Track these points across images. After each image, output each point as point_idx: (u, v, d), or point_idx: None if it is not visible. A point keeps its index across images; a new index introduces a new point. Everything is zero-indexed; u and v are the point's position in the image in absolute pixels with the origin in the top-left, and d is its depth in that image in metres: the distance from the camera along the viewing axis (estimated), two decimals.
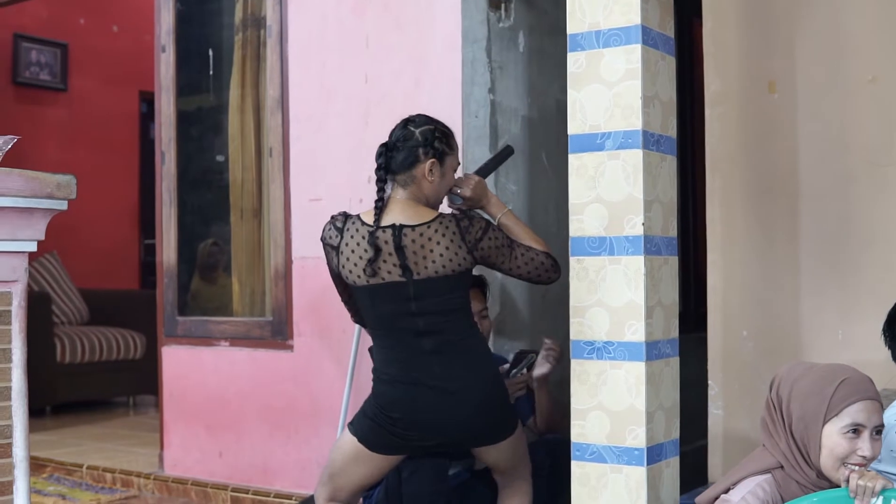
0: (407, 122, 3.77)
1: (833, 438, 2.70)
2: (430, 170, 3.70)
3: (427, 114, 3.83)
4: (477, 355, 3.73)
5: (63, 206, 3.09)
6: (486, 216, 3.86)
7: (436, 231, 3.60)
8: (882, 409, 2.76)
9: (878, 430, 2.72)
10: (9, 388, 3.05)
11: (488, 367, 3.75)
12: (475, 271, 3.92)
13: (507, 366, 4.35)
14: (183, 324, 5.91)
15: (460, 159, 4.36)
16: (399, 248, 3.59)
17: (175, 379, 5.95)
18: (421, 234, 3.59)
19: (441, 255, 3.60)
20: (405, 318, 3.65)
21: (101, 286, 9.46)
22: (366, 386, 3.90)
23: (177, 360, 5.94)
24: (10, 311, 3.04)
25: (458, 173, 3.88)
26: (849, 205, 4.04)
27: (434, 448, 3.81)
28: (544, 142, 5.13)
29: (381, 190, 3.68)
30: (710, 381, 4.29)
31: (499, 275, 4.47)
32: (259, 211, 5.67)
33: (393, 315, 3.66)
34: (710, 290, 4.30)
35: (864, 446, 2.68)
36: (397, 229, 3.60)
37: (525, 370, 4.30)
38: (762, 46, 4.22)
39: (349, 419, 3.89)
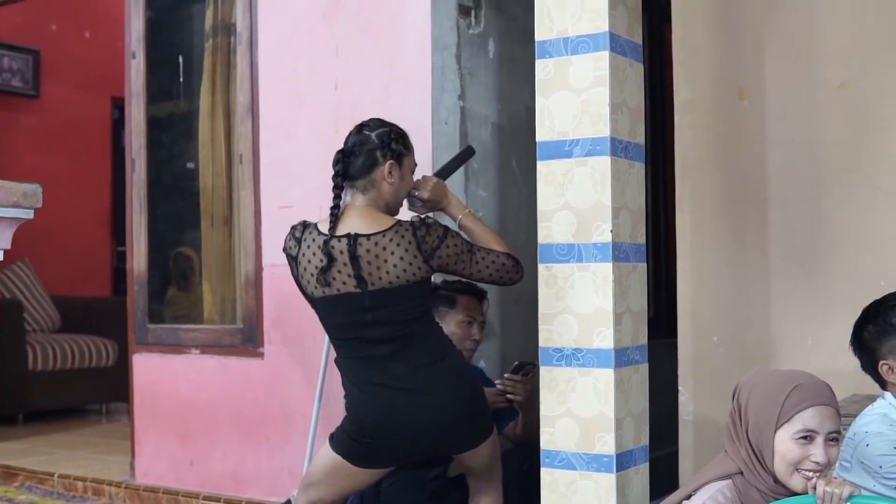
0: (361, 127, 3.76)
1: (785, 444, 2.70)
2: (390, 171, 3.69)
3: (396, 121, 3.82)
4: (448, 363, 3.70)
5: (29, 214, 3.06)
6: (448, 217, 3.86)
7: (391, 240, 3.57)
8: (838, 415, 2.76)
9: (833, 436, 2.72)
10: None
11: (461, 373, 3.74)
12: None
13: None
14: (153, 331, 5.88)
15: (426, 164, 4.37)
16: (354, 258, 3.56)
17: (146, 387, 5.93)
18: (376, 244, 3.55)
19: (395, 266, 3.57)
20: (361, 328, 3.62)
21: (73, 293, 9.42)
22: (337, 393, 3.88)
23: (148, 368, 5.92)
24: None
25: (417, 176, 3.87)
26: (819, 211, 4.04)
27: (418, 458, 3.82)
28: (514, 148, 5.12)
29: (337, 197, 3.65)
30: (680, 387, 4.29)
31: None
32: (230, 218, 5.65)
33: (349, 325, 3.65)
34: (679, 296, 4.30)
35: (816, 452, 2.68)
36: (352, 238, 3.57)
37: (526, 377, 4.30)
38: (731, 53, 4.22)
39: (322, 427, 3.87)
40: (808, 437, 2.69)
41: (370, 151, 3.69)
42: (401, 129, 3.79)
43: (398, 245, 3.57)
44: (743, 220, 4.21)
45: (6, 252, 3.03)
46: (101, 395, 8.87)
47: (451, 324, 4.32)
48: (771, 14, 4.13)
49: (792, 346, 4.07)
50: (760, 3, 4.15)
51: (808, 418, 2.70)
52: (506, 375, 4.30)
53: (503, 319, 5.02)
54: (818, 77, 4.04)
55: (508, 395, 4.27)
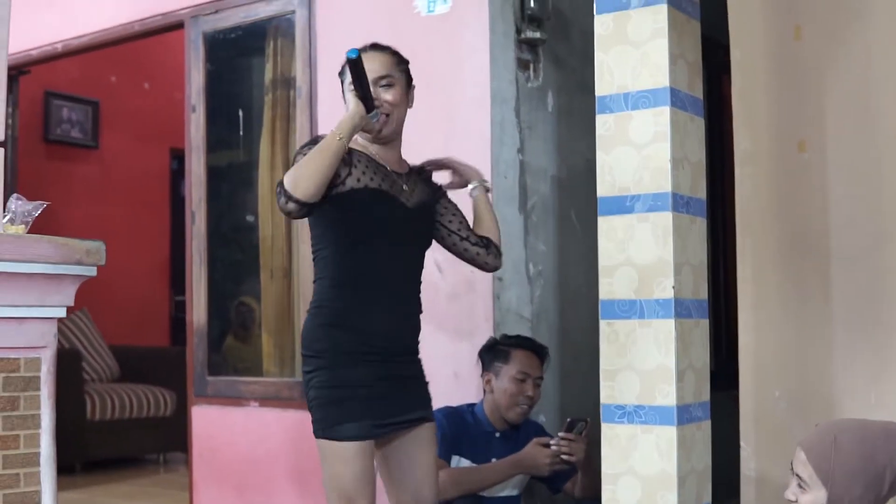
0: None
1: None
2: None
3: None
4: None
5: (92, 272, 3.10)
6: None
7: None
8: None
9: None
10: (37, 454, 3.06)
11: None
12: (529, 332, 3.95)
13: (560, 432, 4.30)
14: (213, 383, 5.91)
15: None
16: None
17: (204, 439, 5.94)
18: None
19: None
20: None
21: (131, 343, 9.47)
22: None
23: (206, 420, 5.94)
24: (38, 378, 3.05)
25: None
26: (881, 265, 3.99)
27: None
28: (573, 201, 5.12)
29: None
30: (742, 443, 4.25)
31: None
32: (289, 270, 5.68)
33: None
34: (741, 350, 4.26)
35: None
36: None
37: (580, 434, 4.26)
38: (792, 105, 4.20)
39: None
40: None
41: None
42: None
43: None
44: (805, 274, 4.17)
45: None
46: (159, 445, 8.90)
47: (504, 379, 4.32)
48: (831, 67, 4.11)
49: (855, 402, 4.02)
50: (820, 55, 4.12)
51: None
52: (560, 434, 4.23)
53: (562, 374, 5.00)
54: (879, 130, 4.01)
55: (564, 456, 4.22)
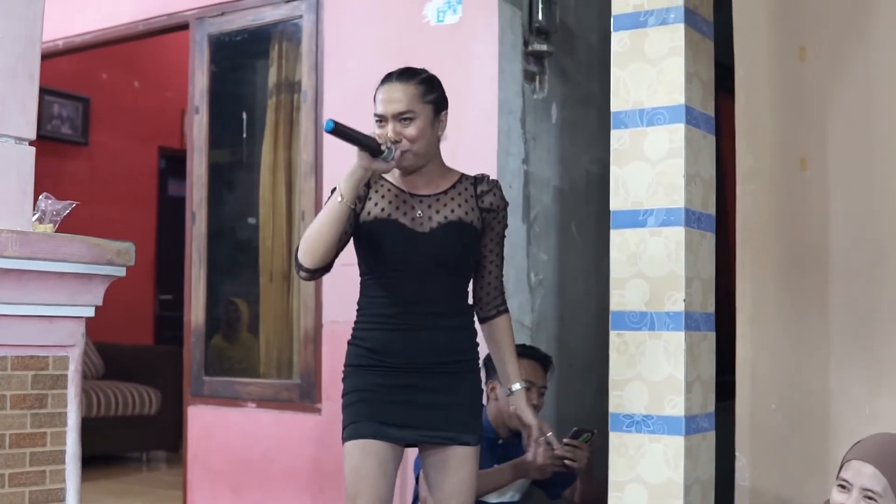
0: None
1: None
2: None
3: None
4: None
5: (122, 272, 3.15)
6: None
7: None
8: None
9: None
10: (63, 452, 3.11)
11: None
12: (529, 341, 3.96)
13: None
14: (209, 383, 5.95)
15: None
16: None
17: (200, 439, 5.97)
18: None
19: None
20: None
21: (116, 341, 9.48)
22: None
23: (202, 420, 5.97)
24: (66, 376, 3.10)
25: None
26: (878, 281, 4.06)
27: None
28: (574, 212, 5.20)
29: None
30: (737, 453, 4.31)
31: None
32: (289, 273, 5.72)
33: None
34: (739, 362, 4.32)
35: None
36: None
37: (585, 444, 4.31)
38: (794, 124, 4.26)
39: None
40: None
41: None
42: None
43: None
44: (803, 289, 4.23)
45: None
46: (142, 444, 8.90)
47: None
48: (834, 88, 4.17)
49: (851, 415, 4.09)
50: (823, 76, 4.18)
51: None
52: (565, 441, 4.30)
53: (560, 383, 5.07)
54: (879, 150, 4.08)
55: (566, 462, 4.28)
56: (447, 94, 4.86)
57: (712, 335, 3.67)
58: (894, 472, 2.91)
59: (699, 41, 3.63)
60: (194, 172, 6.08)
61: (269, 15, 5.82)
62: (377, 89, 3.50)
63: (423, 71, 3.60)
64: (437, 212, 3.48)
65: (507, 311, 3.67)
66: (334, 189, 3.38)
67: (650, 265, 3.51)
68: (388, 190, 3.49)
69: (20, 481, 3.01)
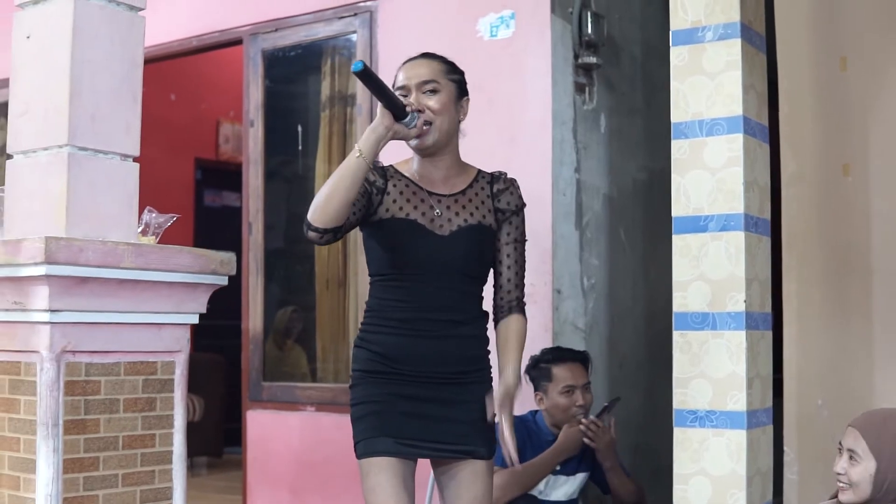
0: None
1: None
2: None
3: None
4: None
5: (224, 281, 3.33)
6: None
7: None
8: None
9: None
10: (171, 452, 3.29)
11: None
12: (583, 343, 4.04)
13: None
14: (268, 388, 6.13)
15: (545, 234, 4.61)
16: None
17: (258, 443, 6.12)
18: None
19: None
20: None
21: None
22: None
23: (261, 425, 6.12)
24: (173, 380, 3.28)
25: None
26: None
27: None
28: (622, 219, 5.36)
29: None
30: (785, 448, 4.45)
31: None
32: (344, 280, 5.89)
33: None
34: (786, 360, 4.44)
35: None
36: None
37: (607, 415, 4.48)
38: (836, 132, 4.39)
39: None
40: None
41: None
42: None
43: None
44: (847, 289, 4.36)
45: None
46: (192, 450, 9.01)
47: (553, 395, 4.50)
48: (874, 96, 4.31)
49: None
50: (864, 85, 4.32)
51: None
52: (591, 418, 4.45)
53: (610, 382, 5.23)
54: None
55: (585, 440, 4.43)
56: (501, 106, 5.01)
57: (769, 334, 3.83)
58: (873, 436, 3.20)
59: (754, 55, 3.79)
60: (250, 184, 6.25)
61: (322, 31, 5.99)
62: (399, 70, 3.39)
63: (443, 56, 3.47)
64: (457, 214, 3.36)
65: (521, 312, 3.49)
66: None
67: (711, 268, 3.66)
68: (407, 186, 3.35)
69: (132, 481, 3.19)
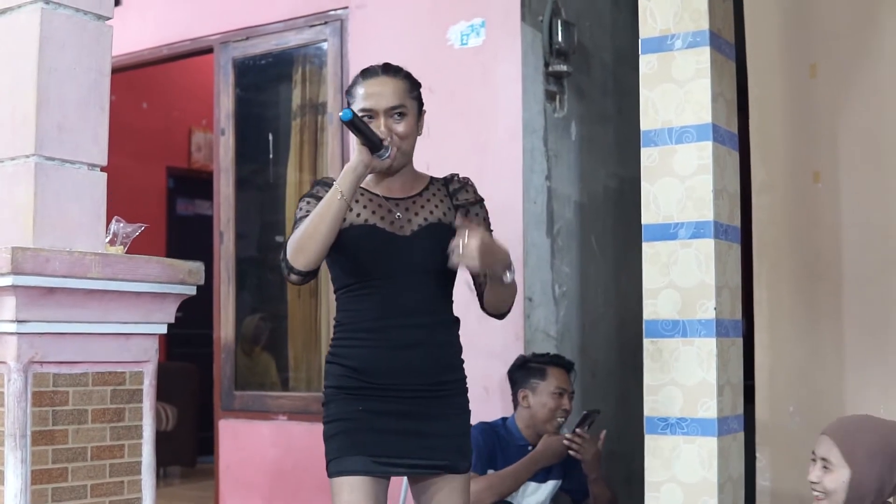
0: None
1: None
2: None
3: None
4: None
5: (192, 290, 3.32)
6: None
7: None
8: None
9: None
10: (140, 463, 3.27)
11: None
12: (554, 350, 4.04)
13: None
14: (240, 397, 6.11)
15: (516, 242, 4.61)
16: None
17: (231, 452, 6.10)
18: None
19: None
20: None
21: None
22: None
23: (233, 434, 6.11)
24: (142, 390, 3.27)
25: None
26: (890, 289, 4.22)
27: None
28: (593, 226, 5.37)
29: None
30: (757, 454, 4.46)
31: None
32: (316, 290, 5.88)
33: None
34: (757, 367, 4.46)
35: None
36: None
37: (587, 428, 4.47)
38: (807, 139, 4.41)
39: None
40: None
41: None
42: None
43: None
44: (818, 297, 4.38)
45: None
46: (159, 459, 8.96)
47: (543, 395, 4.51)
48: (844, 103, 4.33)
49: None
50: (834, 92, 4.35)
51: None
52: (577, 430, 4.46)
53: (583, 390, 5.22)
54: (889, 162, 4.23)
55: (571, 453, 4.44)
56: (472, 114, 5.01)
57: (740, 341, 3.84)
58: (846, 444, 3.20)
59: (723, 62, 3.81)
60: (221, 193, 6.24)
61: (293, 39, 5.98)
62: (357, 83, 3.30)
63: (401, 67, 3.39)
64: (416, 214, 3.29)
65: None
66: (308, 195, 3.28)
67: (681, 275, 3.67)
68: (362, 194, 3.27)
69: (101, 492, 3.18)
